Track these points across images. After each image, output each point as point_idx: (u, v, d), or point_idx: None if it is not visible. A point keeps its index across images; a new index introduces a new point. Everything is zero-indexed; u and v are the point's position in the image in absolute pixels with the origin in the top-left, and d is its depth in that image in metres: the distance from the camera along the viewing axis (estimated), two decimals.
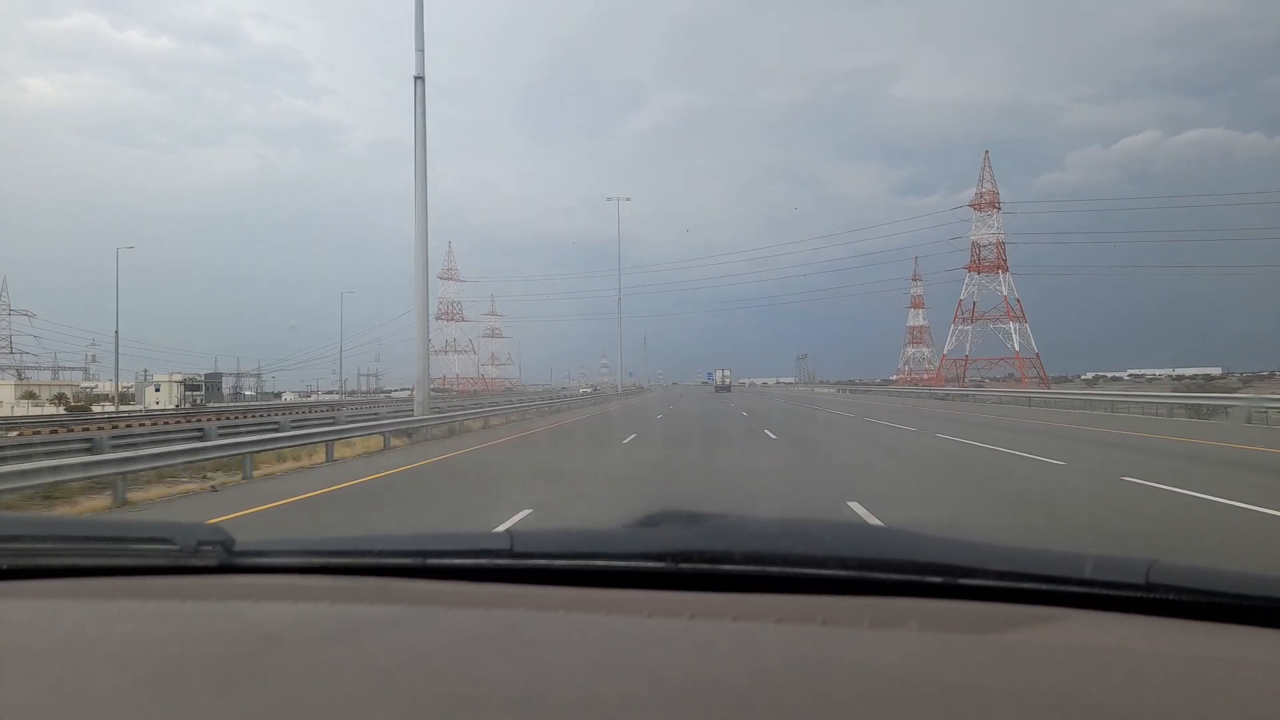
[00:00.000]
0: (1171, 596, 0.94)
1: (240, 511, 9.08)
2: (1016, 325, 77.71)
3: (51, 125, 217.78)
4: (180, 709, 0.71)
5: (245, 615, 0.99)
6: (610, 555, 1.15)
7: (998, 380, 78.33)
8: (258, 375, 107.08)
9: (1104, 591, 0.97)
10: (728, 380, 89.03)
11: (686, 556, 1.08)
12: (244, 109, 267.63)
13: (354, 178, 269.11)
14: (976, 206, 79.17)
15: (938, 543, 1.09)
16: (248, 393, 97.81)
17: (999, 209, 78.81)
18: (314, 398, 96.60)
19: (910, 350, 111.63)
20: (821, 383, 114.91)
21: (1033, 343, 77.70)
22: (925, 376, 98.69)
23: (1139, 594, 0.95)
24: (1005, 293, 79.13)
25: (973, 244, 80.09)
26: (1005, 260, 79.22)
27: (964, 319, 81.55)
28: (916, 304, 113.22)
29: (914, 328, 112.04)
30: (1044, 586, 0.99)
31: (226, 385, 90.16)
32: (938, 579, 1.02)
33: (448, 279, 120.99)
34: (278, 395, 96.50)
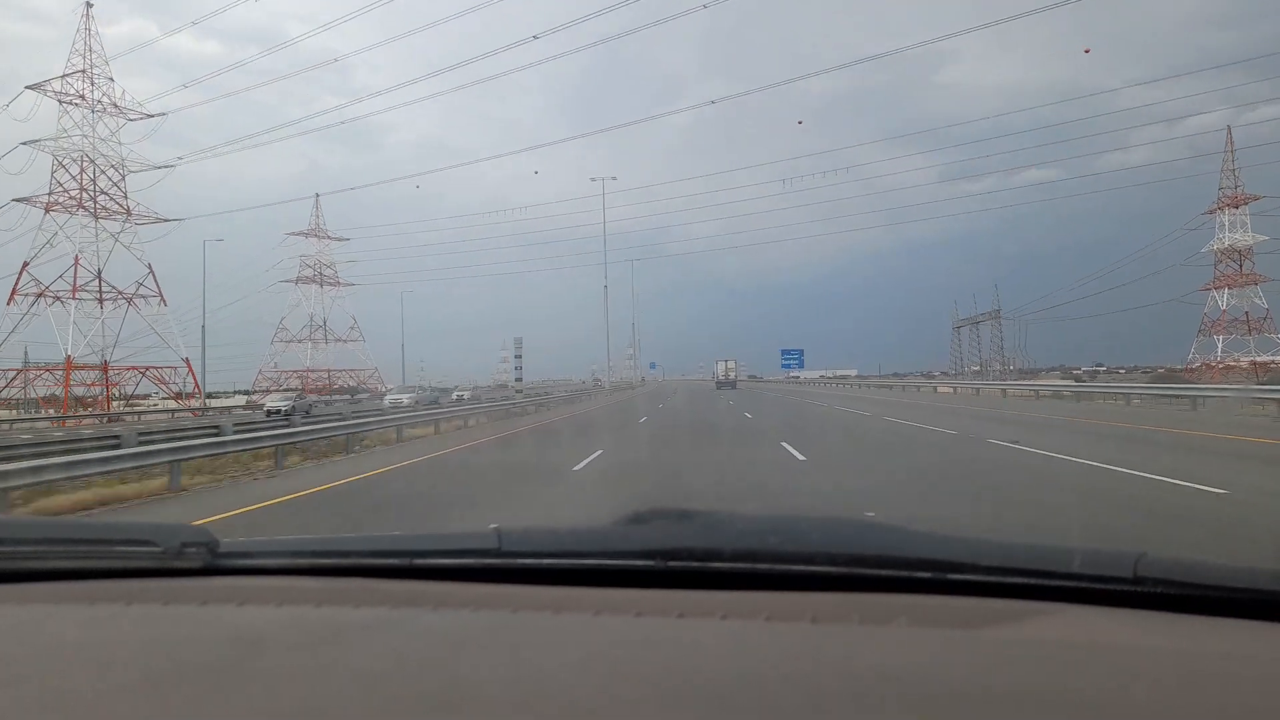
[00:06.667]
0: (1159, 590, 0.95)
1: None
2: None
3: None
4: (165, 714, 0.70)
5: (230, 618, 0.98)
6: (599, 554, 1.14)
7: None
8: None
9: (1092, 585, 0.97)
10: (732, 374, 77.73)
11: (675, 554, 1.08)
12: (290, 110, 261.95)
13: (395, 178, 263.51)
14: None
15: (926, 538, 1.09)
16: None
17: None
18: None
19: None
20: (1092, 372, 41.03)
21: None
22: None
23: (1127, 587, 0.96)
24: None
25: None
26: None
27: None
28: (1230, 200, 53.29)
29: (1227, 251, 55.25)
30: (1032, 581, 0.99)
31: None
32: (926, 574, 1.01)
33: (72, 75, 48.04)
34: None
